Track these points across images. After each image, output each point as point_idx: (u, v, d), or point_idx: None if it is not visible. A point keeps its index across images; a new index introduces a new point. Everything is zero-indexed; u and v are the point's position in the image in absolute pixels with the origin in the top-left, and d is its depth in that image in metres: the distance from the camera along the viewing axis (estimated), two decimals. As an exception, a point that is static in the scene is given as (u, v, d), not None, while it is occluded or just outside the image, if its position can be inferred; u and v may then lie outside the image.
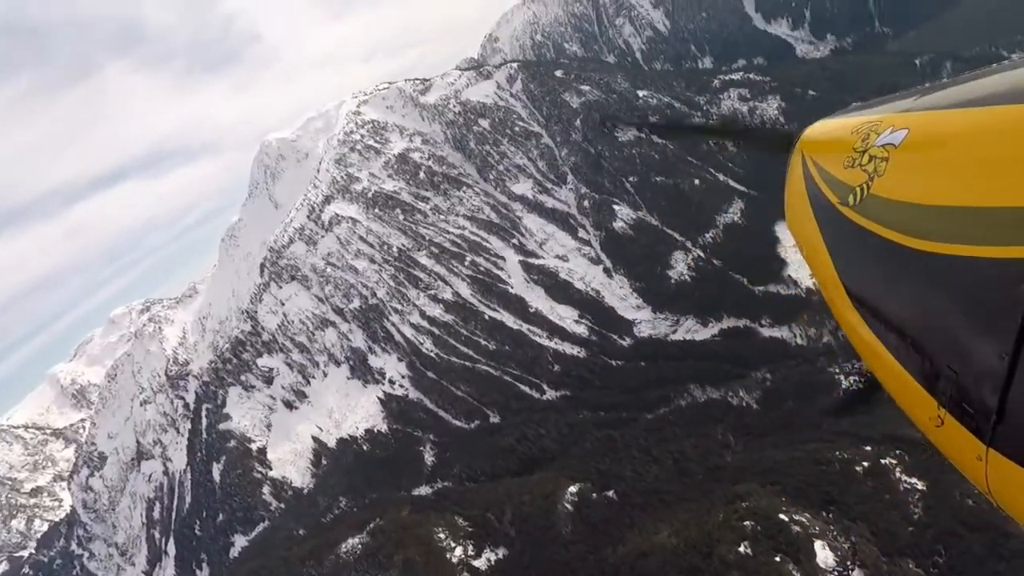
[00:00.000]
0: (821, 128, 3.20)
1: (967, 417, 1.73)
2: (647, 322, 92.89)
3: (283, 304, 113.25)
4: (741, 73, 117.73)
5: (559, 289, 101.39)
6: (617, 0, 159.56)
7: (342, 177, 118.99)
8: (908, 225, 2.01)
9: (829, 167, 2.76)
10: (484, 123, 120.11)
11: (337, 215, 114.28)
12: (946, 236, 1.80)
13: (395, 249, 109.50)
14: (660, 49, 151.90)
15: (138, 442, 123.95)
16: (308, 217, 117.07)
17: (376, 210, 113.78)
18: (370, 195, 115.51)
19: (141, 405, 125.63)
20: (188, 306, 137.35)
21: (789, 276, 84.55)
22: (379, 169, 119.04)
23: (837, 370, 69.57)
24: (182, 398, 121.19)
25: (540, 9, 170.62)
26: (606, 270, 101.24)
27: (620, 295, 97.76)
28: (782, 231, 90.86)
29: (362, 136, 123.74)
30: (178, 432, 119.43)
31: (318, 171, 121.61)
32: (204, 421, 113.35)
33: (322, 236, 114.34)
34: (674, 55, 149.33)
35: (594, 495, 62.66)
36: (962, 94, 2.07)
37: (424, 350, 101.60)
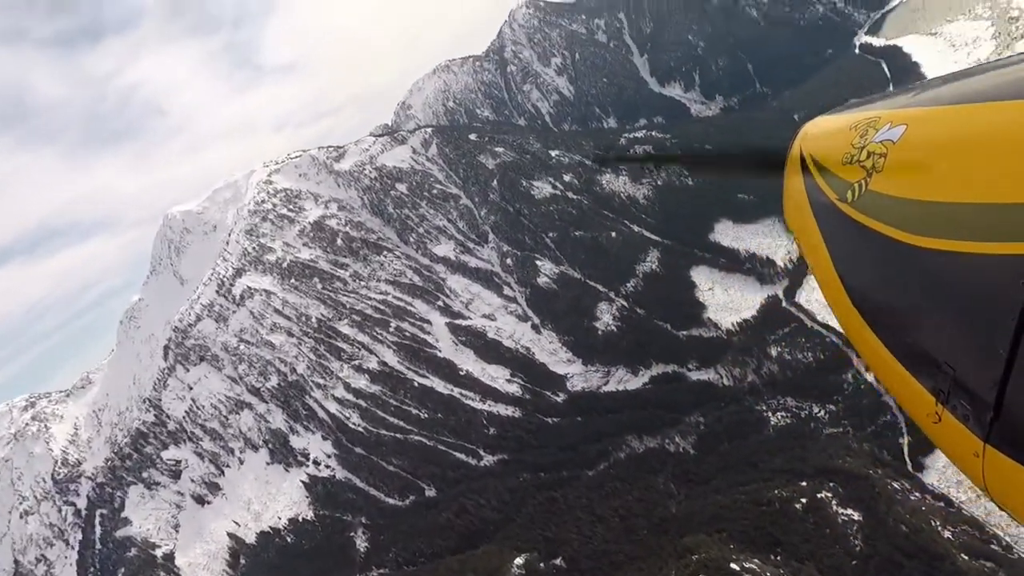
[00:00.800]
0: (819, 125, 3.14)
1: (964, 414, 1.74)
2: (579, 375, 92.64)
3: (191, 388, 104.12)
4: (644, 131, 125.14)
5: (489, 349, 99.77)
6: (523, 68, 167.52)
7: (254, 248, 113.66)
8: (906, 221, 2.02)
9: (827, 163, 2.71)
10: (401, 187, 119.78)
11: (249, 288, 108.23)
12: (944, 232, 1.80)
13: (314, 320, 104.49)
14: (567, 112, 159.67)
15: (16, 561, 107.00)
16: (217, 292, 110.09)
17: (292, 280, 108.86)
18: (285, 265, 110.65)
19: (21, 517, 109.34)
20: (80, 399, 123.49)
21: (709, 319, 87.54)
22: (294, 238, 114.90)
23: (764, 407, 71.60)
24: (72, 504, 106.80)
25: (450, 78, 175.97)
26: (534, 326, 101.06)
27: (550, 350, 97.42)
28: (697, 276, 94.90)
29: (274, 205, 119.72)
30: (67, 544, 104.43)
31: (227, 243, 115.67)
32: (98, 529, 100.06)
33: (233, 311, 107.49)
34: (580, 117, 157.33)
35: (541, 564, 59.53)
36: (960, 90, 2.08)
37: (351, 425, 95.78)
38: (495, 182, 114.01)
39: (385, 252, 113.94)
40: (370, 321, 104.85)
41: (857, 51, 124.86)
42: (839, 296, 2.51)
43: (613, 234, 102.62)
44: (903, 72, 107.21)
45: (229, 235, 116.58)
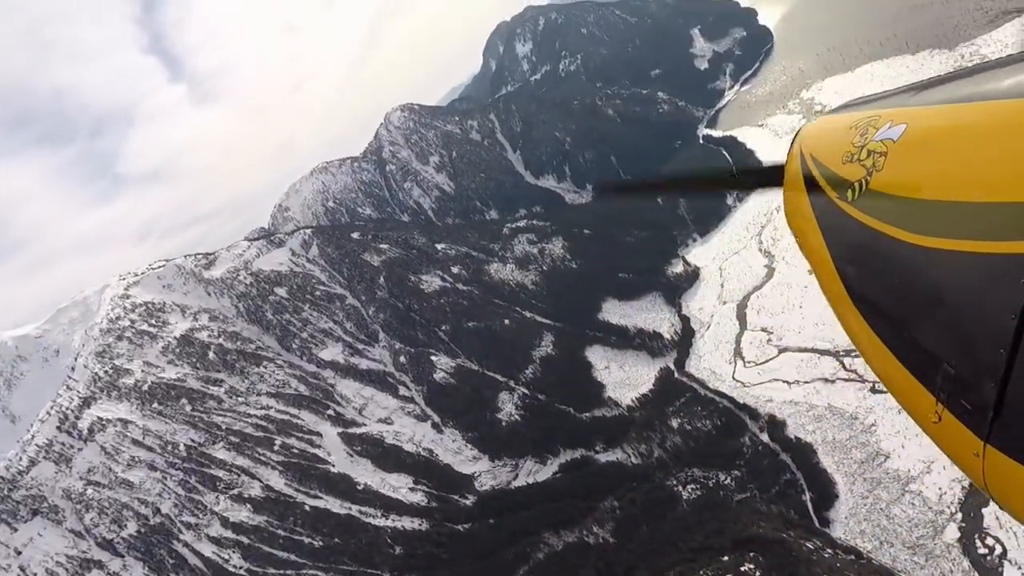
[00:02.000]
0: (819, 124, 3.16)
1: (965, 413, 1.74)
2: (487, 472, 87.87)
3: (19, 553, 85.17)
4: (525, 221, 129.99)
5: (388, 456, 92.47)
6: (403, 167, 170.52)
7: (107, 372, 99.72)
8: (907, 220, 2.01)
9: (827, 162, 2.74)
10: (281, 291, 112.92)
11: (101, 419, 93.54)
12: (945, 231, 1.80)
13: (183, 448, 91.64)
14: (449, 206, 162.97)
15: None
16: (59, 428, 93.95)
17: (155, 405, 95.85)
18: (146, 388, 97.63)
19: None
20: None
21: (609, 398, 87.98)
22: (156, 356, 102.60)
23: (674, 482, 71.26)
24: None
25: (329, 179, 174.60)
26: (435, 425, 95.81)
27: (454, 449, 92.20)
28: (592, 355, 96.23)
29: (132, 321, 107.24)
30: None
31: (73, 369, 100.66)
32: None
33: (80, 449, 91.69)
34: (463, 210, 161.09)
35: None
36: (960, 89, 2.08)
37: (231, 569, 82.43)
38: (382, 279, 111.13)
39: (265, 362, 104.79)
40: (250, 441, 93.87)
41: (701, 141, 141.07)
42: (839, 295, 2.46)
43: (506, 321, 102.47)
44: (742, 156, 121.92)
45: (76, 359, 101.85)
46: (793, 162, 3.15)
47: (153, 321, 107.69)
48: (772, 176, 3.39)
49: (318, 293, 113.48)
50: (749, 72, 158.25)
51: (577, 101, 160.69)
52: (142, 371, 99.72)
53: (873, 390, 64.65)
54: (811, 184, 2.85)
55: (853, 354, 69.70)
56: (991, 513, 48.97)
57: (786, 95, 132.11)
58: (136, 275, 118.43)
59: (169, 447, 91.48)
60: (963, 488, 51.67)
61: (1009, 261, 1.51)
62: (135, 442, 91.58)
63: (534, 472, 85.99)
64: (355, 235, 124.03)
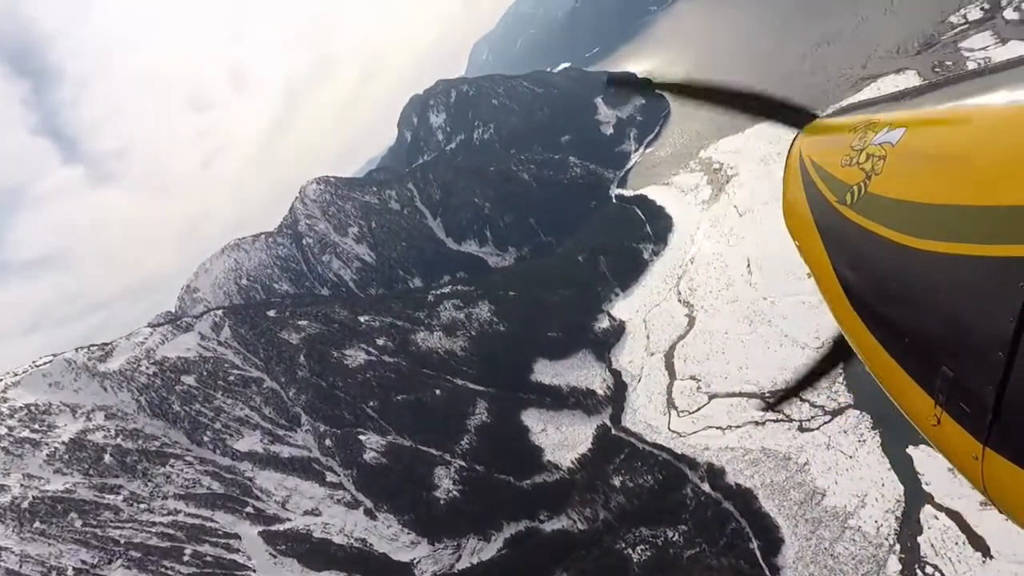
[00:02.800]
0: (819, 127, 3.18)
1: (963, 416, 1.74)
2: (427, 558, 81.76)
3: None
4: (449, 287, 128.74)
5: (316, 553, 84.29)
6: (320, 240, 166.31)
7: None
8: (905, 223, 2.02)
9: (827, 166, 2.75)
10: (189, 379, 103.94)
11: (-33, 549, 79.90)
12: (943, 234, 1.80)
13: (71, 573, 79.42)
14: (371, 277, 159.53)
15: None
16: (-88, 567, 79.25)
17: (36, 524, 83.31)
18: (25, 506, 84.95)
19: None
20: None
21: (549, 462, 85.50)
22: (40, 466, 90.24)
23: (623, 544, 68.92)
24: None
25: (242, 256, 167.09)
26: (367, 511, 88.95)
27: (389, 536, 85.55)
28: (528, 419, 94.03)
29: (10, 428, 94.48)
30: None
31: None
32: None
33: (-62, 589, 77.44)
34: (385, 280, 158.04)
35: None
36: (958, 93, 2.08)
37: None
38: (302, 357, 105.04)
39: (172, 460, 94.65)
40: (155, 554, 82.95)
41: (614, 200, 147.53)
42: (837, 298, 2.46)
43: (437, 391, 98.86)
44: (653, 214, 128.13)
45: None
46: (792, 165, 3.10)
47: (36, 426, 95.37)
48: (795, 117, 3.29)
49: (232, 378, 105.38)
50: (651, 135, 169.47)
51: (493, 167, 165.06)
52: (21, 486, 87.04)
53: (801, 429, 66.38)
54: (810, 187, 2.81)
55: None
56: (926, 541, 50.17)
57: (686, 155, 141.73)
58: (16, 374, 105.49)
59: (53, 574, 78.98)
60: (896, 519, 52.90)
61: (1007, 264, 1.52)
62: (10, 573, 78.45)
63: (478, 551, 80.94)
64: (271, 313, 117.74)
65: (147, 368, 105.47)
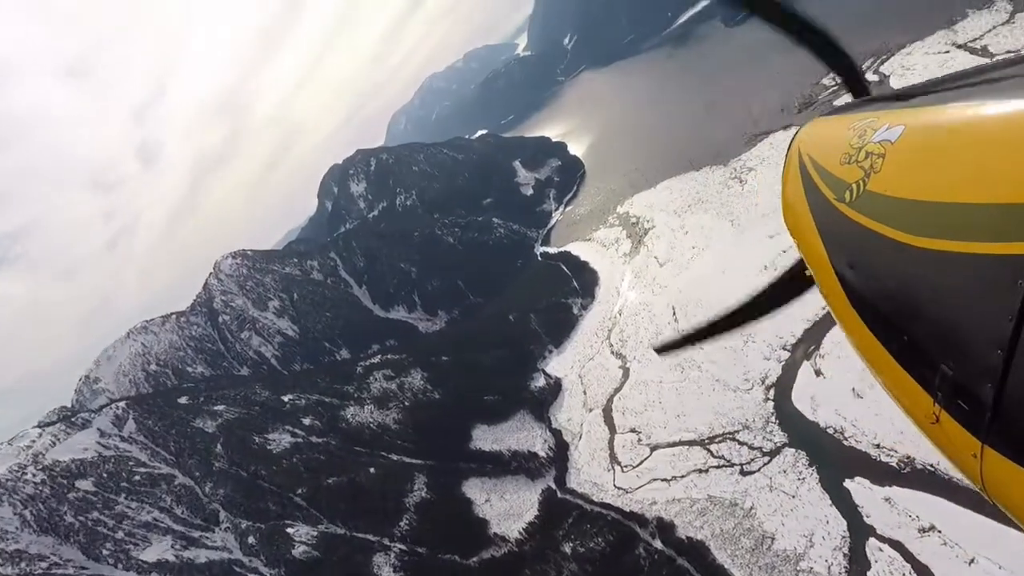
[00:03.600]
0: (818, 125, 3.20)
1: (962, 414, 1.74)
2: (369, 660, 74.01)
3: None
4: (379, 356, 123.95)
5: (240, 671, 74.48)
6: (238, 317, 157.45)
7: None
8: (905, 221, 2.03)
9: (826, 164, 2.78)
10: (85, 484, 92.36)
11: None
12: (942, 232, 1.81)
13: None
14: (295, 352, 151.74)
15: None
16: None
17: None
18: None
19: None
20: None
21: (495, 534, 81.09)
22: None
23: (580, 617, 65.31)
24: None
25: (150, 339, 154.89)
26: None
27: (325, 640, 77.15)
28: (470, 490, 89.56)
29: None
30: None
31: None
32: None
33: None
34: (310, 354, 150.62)
35: None
36: (959, 91, 2.10)
37: None
38: (219, 447, 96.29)
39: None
40: None
41: (540, 258, 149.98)
42: (837, 297, 2.49)
43: (372, 470, 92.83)
44: (578, 269, 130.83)
45: None
46: (791, 163, 3.13)
47: None
48: (797, 286, 3.27)
49: (137, 478, 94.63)
50: (570, 194, 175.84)
51: (417, 232, 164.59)
52: None
53: (742, 472, 66.67)
54: (808, 185, 2.84)
55: (717, 440, 72.43)
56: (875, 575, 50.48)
57: (604, 211, 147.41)
58: None
59: None
60: (844, 555, 53.15)
61: (1006, 262, 1.53)
62: None
63: (425, 644, 74.21)
64: (184, 400, 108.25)
65: (34, 476, 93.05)
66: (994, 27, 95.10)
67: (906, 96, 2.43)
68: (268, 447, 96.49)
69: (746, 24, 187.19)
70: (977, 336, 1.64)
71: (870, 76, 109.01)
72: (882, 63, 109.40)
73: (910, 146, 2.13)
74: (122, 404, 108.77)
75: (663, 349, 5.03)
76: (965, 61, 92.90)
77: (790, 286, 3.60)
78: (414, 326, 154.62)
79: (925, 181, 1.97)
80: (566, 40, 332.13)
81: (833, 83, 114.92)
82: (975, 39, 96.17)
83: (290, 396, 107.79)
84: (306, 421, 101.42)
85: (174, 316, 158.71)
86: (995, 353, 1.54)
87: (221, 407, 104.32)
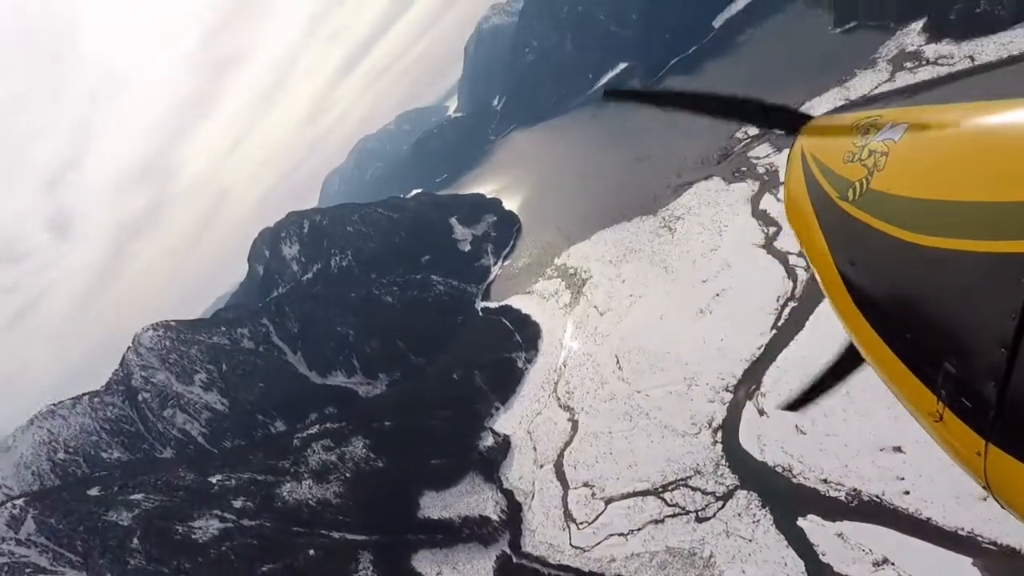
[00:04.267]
0: (821, 124, 3.21)
1: (966, 412, 1.75)
2: None
3: None
4: (317, 426, 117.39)
5: None
6: (160, 393, 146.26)
7: None
8: (908, 220, 2.03)
9: (828, 162, 2.80)
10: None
11: None
12: (946, 231, 1.81)
13: None
14: (225, 427, 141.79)
15: None
16: None
17: None
18: None
19: None
20: None
21: (449, 611, 75.88)
22: None
23: None
24: None
25: (58, 424, 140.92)
26: None
27: None
28: (420, 564, 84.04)
29: None
30: None
31: None
32: None
33: None
34: (242, 429, 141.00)
35: None
36: (963, 90, 2.13)
37: None
38: (135, 541, 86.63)
39: None
40: None
41: (481, 314, 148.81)
42: (840, 295, 2.51)
43: (311, 552, 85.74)
44: (520, 323, 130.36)
45: None
46: (794, 161, 3.14)
47: None
48: (789, 120, 3.27)
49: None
50: (507, 249, 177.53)
51: (354, 294, 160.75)
52: None
53: (698, 519, 65.81)
54: (812, 183, 2.85)
55: (671, 487, 71.60)
56: (837, 617, 49.95)
57: (542, 264, 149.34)
58: None
59: None
60: (806, 599, 52.57)
61: (1010, 260, 1.54)
62: None
63: None
64: (94, 491, 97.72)
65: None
66: (878, 84, 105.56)
67: (910, 94, 2.41)
68: (193, 536, 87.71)
69: (665, 83, 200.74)
70: (980, 334, 1.64)
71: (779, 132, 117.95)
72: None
73: (913, 144, 2.13)
74: (20, 502, 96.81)
75: (611, 95, 4.73)
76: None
77: (779, 119, 3.46)
78: (354, 391, 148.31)
79: (928, 179, 1.97)
80: (495, 101, 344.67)
81: (746, 137, 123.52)
82: (864, 95, 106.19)
83: (219, 477, 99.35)
84: (237, 503, 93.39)
85: (87, 397, 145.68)
86: (998, 351, 1.54)
87: (139, 496, 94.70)
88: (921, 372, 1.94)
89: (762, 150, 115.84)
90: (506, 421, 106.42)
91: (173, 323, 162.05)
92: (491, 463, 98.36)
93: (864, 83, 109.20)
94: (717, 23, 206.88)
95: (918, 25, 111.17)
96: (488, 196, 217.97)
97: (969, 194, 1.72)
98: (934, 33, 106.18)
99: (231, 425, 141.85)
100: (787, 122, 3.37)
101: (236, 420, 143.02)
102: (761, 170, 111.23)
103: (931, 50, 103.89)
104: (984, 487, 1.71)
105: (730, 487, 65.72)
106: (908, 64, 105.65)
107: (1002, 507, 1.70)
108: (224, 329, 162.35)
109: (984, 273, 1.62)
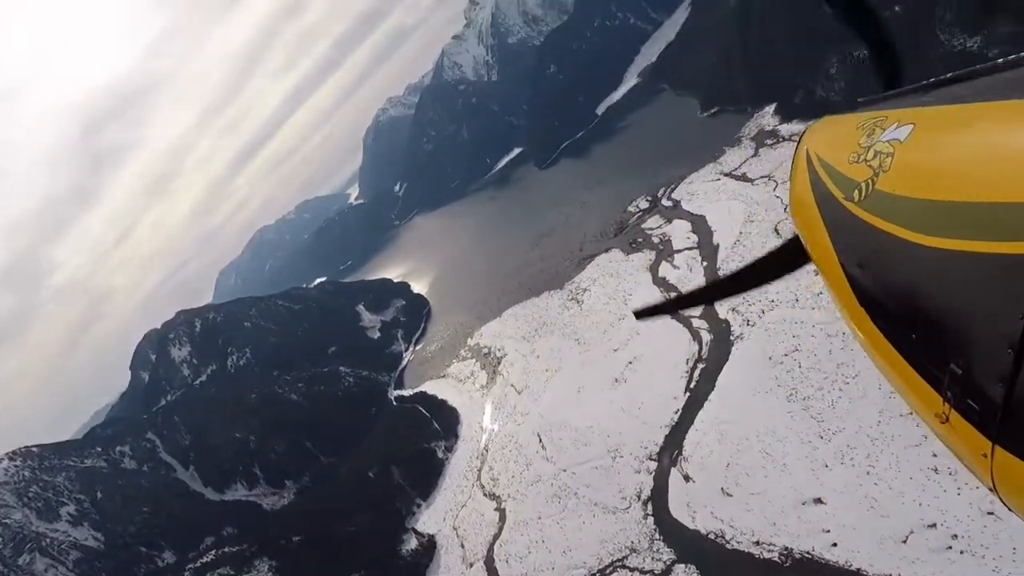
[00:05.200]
0: (826, 124, 3.22)
1: (972, 414, 1.73)
2: None
3: None
4: (214, 552, 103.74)
5: None
6: (16, 536, 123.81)
7: None
8: (914, 221, 2.01)
9: (834, 163, 2.80)
10: None
11: None
12: (952, 232, 1.79)
13: None
14: (99, 568, 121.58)
15: None
16: None
17: None
18: None
19: None
20: None
21: None
22: None
23: None
24: None
25: None
26: None
27: None
28: None
29: None
30: None
31: None
32: None
33: None
34: (121, 567, 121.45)
35: None
36: (968, 89, 2.11)
37: None
38: None
39: None
40: None
41: (395, 403, 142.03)
42: (846, 296, 2.52)
43: None
44: (436, 409, 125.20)
45: None
46: (799, 162, 3.15)
47: None
48: (794, 252, 3.23)
49: None
50: (418, 333, 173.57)
51: (254, 394, 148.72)
52: None
53: (640, 602, 62.77)
54: (817, 185, 2.86)
55: (608, 571, 68.33)
56: None
57: (455, 345, 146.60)
58: None
59: None
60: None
61: (1016, 261, 1.52)
62: None
63: None
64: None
65: None
66: (746, 159, 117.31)
67: (916, 95, 2.36)
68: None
69: (557, 165, 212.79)
70: (987, 335, 1.62)
71: (665, 202, 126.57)
72: (672, 191, 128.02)
73: (919, 145, 2.13)
74: None
75: (642, 314, 4.83)
76: (733, 186, 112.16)
77: (783, 261, 3.46)
78: (257, 505, 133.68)
79: (934, 180, 1.93)
80: (396, 187, 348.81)
81: (638, 210, 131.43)
82: (735, 168, 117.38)
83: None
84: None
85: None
86: (1005, 352, 1.52)
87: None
88: (927, 374, 1.92)
89: (654, 221, 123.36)
90: (429, 518, 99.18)
91: (35, 449, 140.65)
92: (416, 567, 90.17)
93: (734, 158, 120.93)
94: (600, 110, 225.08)
95: (771, 108, 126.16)
96: (395, 280, 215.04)
97: (975, 195, 1.69)
98: (784, 115, 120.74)
99: (107, 564, 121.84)
100: (798, 249, 3.12)
101: (113, 557, 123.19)
102: (656, 240, 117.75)
103: (785, 129, 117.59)
104: (991, 489, 1.69)
105: (667, 562, 63.68)
106: (768, 141, 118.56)
107: (1009, 510, 1.68)
108: (100, 449, 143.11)
109: (991, 274, 1.60)
